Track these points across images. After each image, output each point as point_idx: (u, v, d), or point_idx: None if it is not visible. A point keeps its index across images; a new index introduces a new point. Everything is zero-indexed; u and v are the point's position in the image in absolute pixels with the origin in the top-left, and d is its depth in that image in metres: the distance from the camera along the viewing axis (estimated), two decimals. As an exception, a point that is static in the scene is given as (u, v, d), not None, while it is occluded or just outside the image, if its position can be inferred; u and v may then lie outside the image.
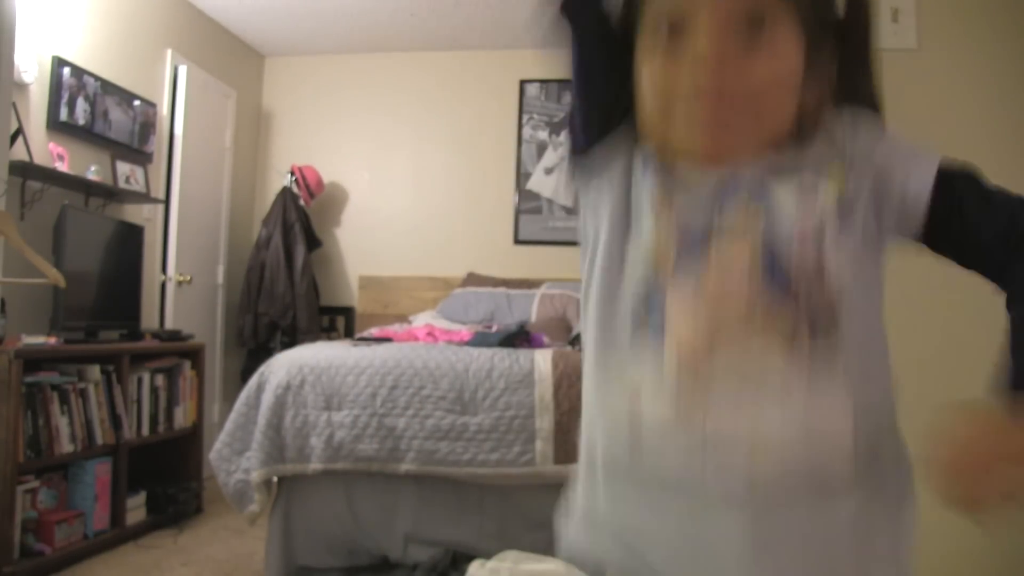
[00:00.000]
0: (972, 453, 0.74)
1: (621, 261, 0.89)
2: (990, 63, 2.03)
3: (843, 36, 0.89)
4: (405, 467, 3.11)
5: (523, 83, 6.02)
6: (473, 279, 5.41)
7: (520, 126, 6.03)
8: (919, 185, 0.85)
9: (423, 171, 6.12)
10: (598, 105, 0.94)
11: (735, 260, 0.82)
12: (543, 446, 3.03)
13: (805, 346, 0.81)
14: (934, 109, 2.04)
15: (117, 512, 3.80)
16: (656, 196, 0.87)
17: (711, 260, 0.83)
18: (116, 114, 4.50)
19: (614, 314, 0.89)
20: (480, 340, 3.71)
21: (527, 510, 3.12)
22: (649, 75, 0.86)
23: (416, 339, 4.05)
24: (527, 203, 5.94)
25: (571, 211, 5.65)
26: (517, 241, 5.92)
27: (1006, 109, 2.02)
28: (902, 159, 0.86)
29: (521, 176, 6.01)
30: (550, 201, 5.90)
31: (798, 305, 0.81)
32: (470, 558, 3.16)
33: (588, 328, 0.93)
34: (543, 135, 5.97)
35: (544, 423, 3.06)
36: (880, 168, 0.85)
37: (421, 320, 4.87)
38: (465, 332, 4.16)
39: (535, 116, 6.00)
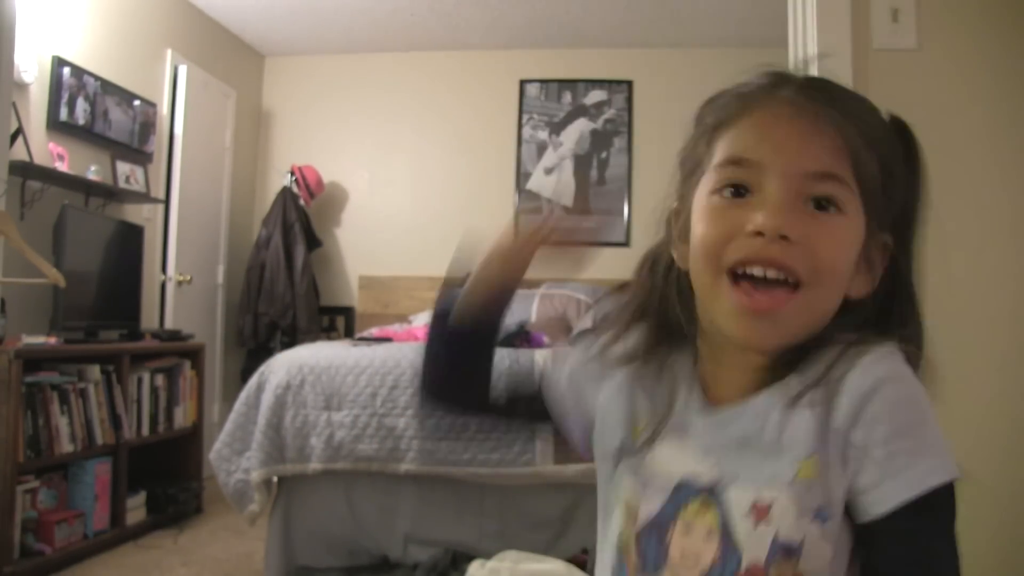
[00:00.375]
0: None
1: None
2: (990, 63, 2.03)
3: (895, 232, 0.85)
4: (405, 467, 3.11)
5: (523, 83, 6.03)
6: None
7: (520, 126, 6.03)
8: (880, 505, 0.75)
9: (423, 171, 6.12)
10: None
11: (685, 573, 0.79)
12: (543, 446, 3.03)
13: None
14: (934, 109, 2.04)
15: (117, 512, 3.80)
16: (627, 491, 0.85)
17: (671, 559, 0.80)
18: (116, 114, 4.50)
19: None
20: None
21: (527, 510, 3.12)
22: (704, 212, 0.83)
23: (416, 339, 4.05)
24: (527, 203, 5.94)
25: (571, 211, 5.65)
26: (517, 241, 5.91)
27: (1006, 109, 2.02)
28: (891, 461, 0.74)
29: (521, 176, 6.01)
30: (550, 201, 5.90)
31: None
32: (470, 558, 3.17)
33: None
34: (543, 135, 5.97)
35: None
36: (862, 452, 0.75)
37: (421, 320, 4.86)
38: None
39: (535, 116, 6.00)
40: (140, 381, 4.09)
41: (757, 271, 0.78)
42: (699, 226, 0.82)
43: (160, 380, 4.25)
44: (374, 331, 4.49)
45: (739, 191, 0.80)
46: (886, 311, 0.85)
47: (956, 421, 1.97)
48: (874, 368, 0.76)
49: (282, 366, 3.34)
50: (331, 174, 6.10)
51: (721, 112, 0.85)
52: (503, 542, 2.90)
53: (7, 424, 3.15)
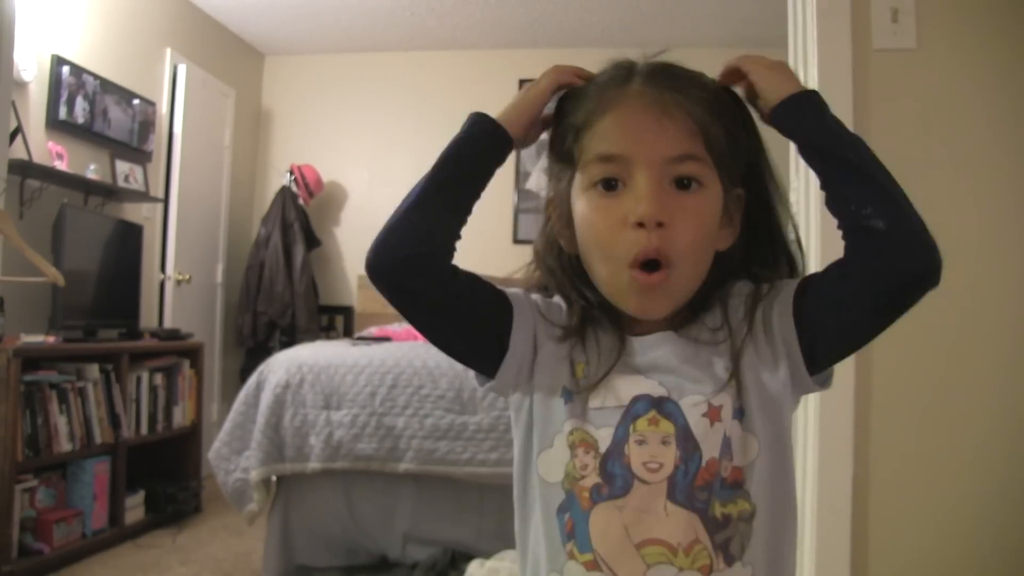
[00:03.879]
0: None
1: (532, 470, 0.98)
2: (990, 62, 2.03)
3: (748, 185, 0.98)
4: (404, 466, 3.11)
5: (522, 82, 6.02)
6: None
7: (520, 126, 6.02)
8: (784, 308, 0.92)
9: (422, 170, 6.00)
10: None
11: (651, 477, 0.90)
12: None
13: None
14: (933, 109, 2.04)
15: (116, 511, 3.80)
16: (574, 430, 0.94)
17: (630, 481, 0.90)
18: (115, 113, 4.49)
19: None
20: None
21: (526, 509, 3.12)
22: (587, 211, 0.93)
23: (415, 338, 4.05)
24: (526, 202, 5.95)
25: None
26: (516, 240, 5.92)
27: (1006, 108, 2.01)
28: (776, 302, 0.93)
29: (520, 175, 6.01)
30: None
31: (712, 527, 0.88)
32: (469, 557, 3.18)
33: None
34: (543, 135, 5.97)
35: (543, 422, 3.05)
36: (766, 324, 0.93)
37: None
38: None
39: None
40: (139, 380, 4.09)
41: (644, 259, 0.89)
42: (585, 223, 0.93)
43: (159, 379, 4.25)
44: (373, 330, 4.49)
45: (611, 183, 0.91)
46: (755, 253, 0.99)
47: (960, 422, 1.97)
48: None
49: (281, 365, 3.34)
50: (330, 173, 6.10)
51: (582, 111, 0.95)
52: (502, 542, 2.91)
53: (5, 423, 3.15)
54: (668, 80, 0.92)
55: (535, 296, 1.02)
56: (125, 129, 4.59)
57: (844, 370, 1.97)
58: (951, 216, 2.01)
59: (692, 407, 0.90)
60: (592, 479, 0.91)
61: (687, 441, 0.89)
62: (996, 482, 1.97)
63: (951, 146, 2.02)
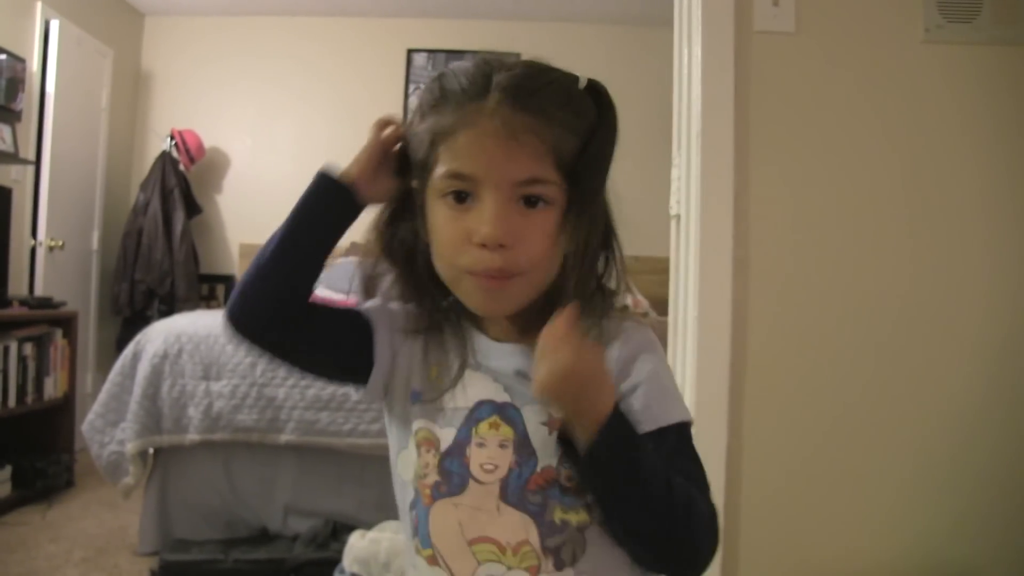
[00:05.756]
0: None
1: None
2: (866, 48, 2.11)
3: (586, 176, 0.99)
4: (285, 438, 3.08)
5: (410, 52, 5.99)
6: (357, 249, 5.31)
7: (407, 96, 6.00)
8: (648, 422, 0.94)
9: (307, 138, 6.03)
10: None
11: (486, 477, 0.95)
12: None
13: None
14: (809, 92, 2.11)
15: (-20, 487, 3.66)
16: (423, 430, 1.00)
17: (466, 479, 0.96)
18: (-19, 69, 4.28)
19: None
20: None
21: (409, 480, 3.13)
22: (438, 220, 0.96)
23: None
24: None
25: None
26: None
27: (877, 93, 2.10)
28: (654, 390, 0.96)
29: (408, 146, 5.98)
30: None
31: (546, 530, 0.93)
32: (350, 528, 3.18)
33: None
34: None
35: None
36: (628, 380, 0.96)
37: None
38: (348, 302, 4.13)
39: (422, 86, 5.93)
40: (7, 350, 3.93)
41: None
42: (435, 230, 0.97)
43: (29, 349, 4.09)
44: (256, 300, 4.42)
45: (461, 195, 0.94)
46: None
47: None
48: (632, 340, 0.98)
49: (159, 335, 3.27)
50: (212, 139, 5.96)
51: (439, 123, 0.96)
52: (383, 513, 2.91)
53: None
54: (524, 98, 0.93)
55: (392, 305, 1.06)
56: (-8, 87, 4.37)
57: (718, 371, 2.04)
58: (825, 197, 2.09)
59: (533, 414, 0.95)
60: (433, 477, 0.97)
61: (524, 447, 0.95)
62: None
63: (825, 128, 2.10)
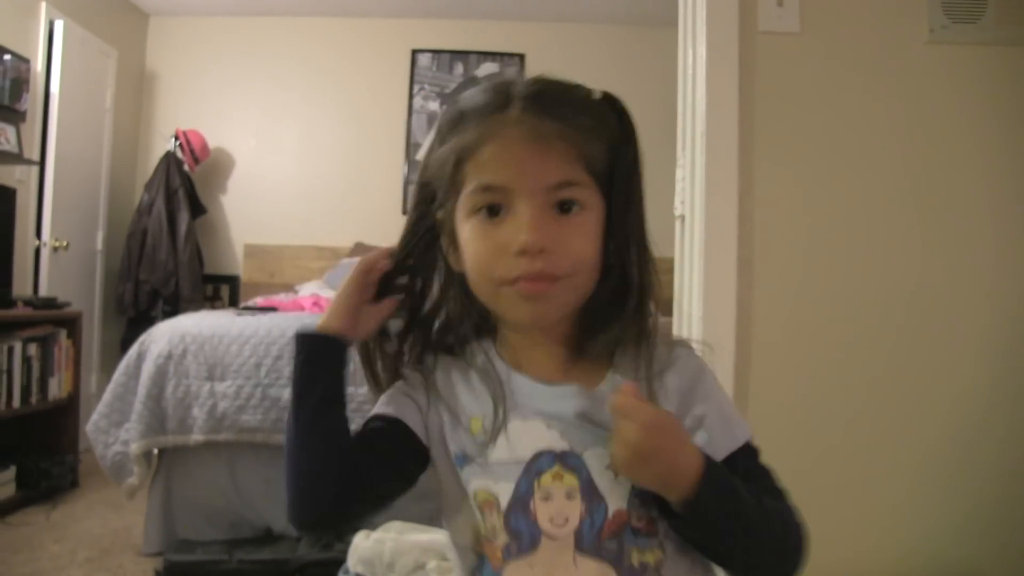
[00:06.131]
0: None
1: None
2: (870, 48, 2.11)
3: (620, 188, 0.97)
4: (290, 438, 3.08)
5: (415, 52, 5.99)
6: (361, 249, 5.34)
7: (411, 96, 6.00)
8: (718, 451, 0.93)
9: (311, 139, 6.04)
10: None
11: (557, 532, 0.90)
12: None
13: None
14: (814, 92, 2.11)
15: (-15, 487, 3.66)
16: (479, 489, 0.94)
17: (538, 537, 0.91)
18: (-14, 70, 4.29)
19: None
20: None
21: (413, 481, 3.13)
22: (472, 237, 0.94)
23: (302, 309, 4.01)
24: (416, 174, 5.92)
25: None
26: (406, 211, 5.89)
27: (881, 93, 2.10)
28: (716, 418, 0.96)
29: (411, 146, 6.00)
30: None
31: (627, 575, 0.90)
32: (355, 529, 3.14)
33: None
34: (434, 106, 5.95)
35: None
36: (691, 412, 0.96)
37: (307, 290, 4.82)
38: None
39: (426, 86, 5.97)
40: (11, 351, 3.93)
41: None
42: (470, 248, 0.95)
43: (33, 349, 4.09)
44: (259, 300, 4.43)
45: (494, 209, 0.92)
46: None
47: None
48: (688, 368, 0.98)
49: (164, 335, 3.27)
50: (217, 139, 5.96)
51: (463, 138, 0.94)
52: (388, 513, 2.91)
53: None
54: (547, 106, 0.92)
55: (400, 384, 1.04)
56: (-4, 87, 4.38)
57: (722, 372, 2.03)
58: (830, 198, 2.09)
59: (596, 459, 0.91)
60: (502, 538, 0.92)
61: (591, 494, 0.91)
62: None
63: (829, 128, 2.10)
